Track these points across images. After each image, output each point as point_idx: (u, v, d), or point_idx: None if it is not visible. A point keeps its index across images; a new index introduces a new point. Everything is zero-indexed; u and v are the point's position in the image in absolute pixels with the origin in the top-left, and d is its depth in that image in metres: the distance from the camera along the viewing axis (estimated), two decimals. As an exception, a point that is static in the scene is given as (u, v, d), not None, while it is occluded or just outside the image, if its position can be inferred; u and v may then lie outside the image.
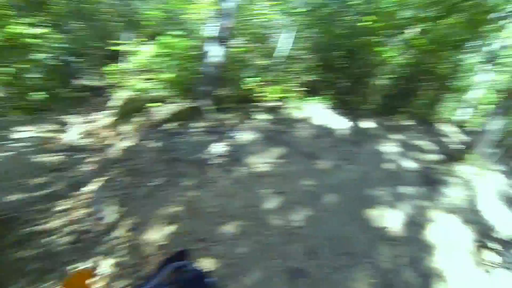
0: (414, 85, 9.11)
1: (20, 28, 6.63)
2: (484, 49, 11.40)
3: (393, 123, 8.03)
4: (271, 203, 4.26)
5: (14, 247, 3.71)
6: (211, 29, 5.94)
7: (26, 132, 6.16)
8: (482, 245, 4.44)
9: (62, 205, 4.43)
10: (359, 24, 7.82)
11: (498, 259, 4.25)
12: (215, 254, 3.55)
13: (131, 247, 3.76)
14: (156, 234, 3.82)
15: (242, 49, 7.80)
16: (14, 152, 5.40)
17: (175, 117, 6.01)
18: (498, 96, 8.19)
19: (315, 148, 5.80)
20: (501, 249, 4.34)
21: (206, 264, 3.44)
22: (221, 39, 5.85)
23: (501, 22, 8.76)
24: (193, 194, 4.27)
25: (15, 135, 5.92)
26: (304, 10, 8.05)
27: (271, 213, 4.12)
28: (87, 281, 2.36)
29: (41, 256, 3.68)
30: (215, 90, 6.30)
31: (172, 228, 3.84)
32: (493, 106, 6.38)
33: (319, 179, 4.94)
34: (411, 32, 8.33)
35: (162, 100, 6.46)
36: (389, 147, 6.53)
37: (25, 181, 4.82)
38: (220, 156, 4.98)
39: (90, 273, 2.53)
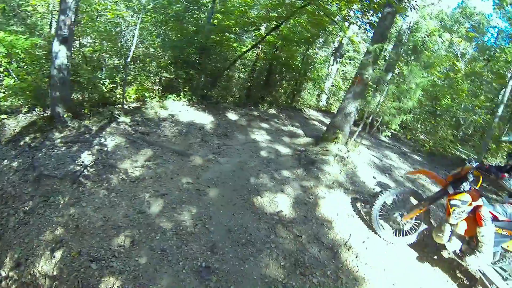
0: (273, 77, 10.91)
1: None
2: (333, 45, 14.46)
3: (257, 113, 9.37)
4: (155, 206, 4.57)
5: None
6: (55, 26, 5.80)
7: None
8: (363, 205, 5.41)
9: None
10: (211, 21, 8.81)
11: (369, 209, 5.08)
12: (114, 271, 3.61)
13: (21, 285, 3.67)
14: (45, 264, 3.76)
15: (91, 48, 8.06)
16: None
17: (31, 129, 5.80)
18: (347, 83, 10.65)
19: (185, 146, 6.42)
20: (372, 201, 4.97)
21: (109, 284, 3.43)
22: (63, 37, 5.78)
23: (346, 24, 11.36)
24: (72, 212, 4.32)
25: None
26: (150, 7, 8.51)
27: (158, 217, 4.38)
28: None
29: None
30: (69, 95, 6.26)
31: (60, 253, 3.81)
32: (345, 91, 8.06)
33: (196, 175, 5.45)
34: (264, 29, 10.01)
35: (11, 110, 6.23)
36: (259, 135, 7.55)
37: None
38: (90, 166, 5.13)
39: None
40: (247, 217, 4.58)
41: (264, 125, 8.51)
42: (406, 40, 10.89)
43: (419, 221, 4.57)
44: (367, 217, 4.87)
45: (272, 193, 5.13)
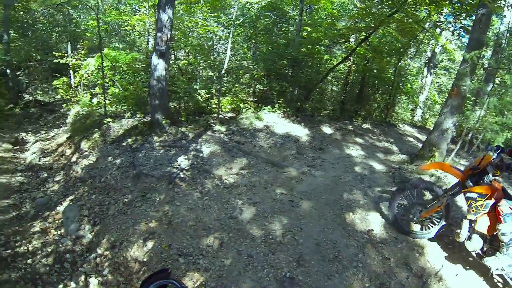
0: (366, 90, 10.28)
1: None
2: (426, 54, 13.28)
3: (351, 127, 8.89)
4: (247, 213, 4.51)
5: None
6: (152, 42, 6.25)
7: None
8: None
9: (36, 226, 4.58)
10: (300, 34, 8.68)
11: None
12: (200, 268, 3.68)
13: (113, 265, 3.91)
14: (136, 251, 3.97)
15: (186, 61, 8.36)
16: None
17: (133, 132, 6.18)
18: (443, 96, 9.50)
19: (279, 157, 6.28)
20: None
21: (193, 278, 3.52)
22: (160, 52, 6.15)
23: (438, 30, 10.36)
24: (166, 209, 4.47)
25: None
26: (239, 21, 8.73)
27: (248, 224, 4.34)
28: None
29: (25, 277, 3.79)
30: (167, 103, 6.57)
31: (151, 244, 4.00)
32: (441, 105, 7.22)
33: (290, 187, 5.26)
34: (353, 41, 9.54)
35: (116, 115, 6.67)
36: (353, 150, 7.19)
37: None
38: (186, 169, 5.23)
39: None
40: (337, 232, 4.33)
41: (359, 140, 8.00)
42: (506, 45, 9.32)
43: (439, 218, 4.14)
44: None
45: (364, 211, 4.78)
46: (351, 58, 9.64)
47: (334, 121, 8.73)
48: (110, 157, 5.74)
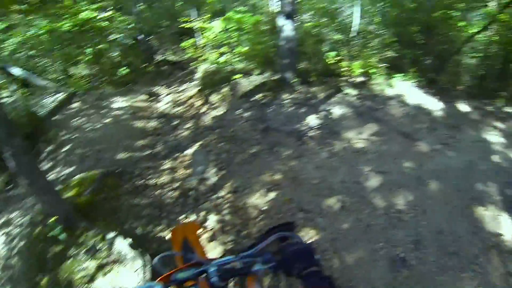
0: (510, 66, 8.56)
1: (91, 13, 7.50)
2: None
3: (493, 108, 7.63)
4: (372, 181, 4.25)
5: (130, 195, 4.28)
6: (277, 4, 6.05)
7: (122, 102, 6.93)
8: None
9: (166, 164, 4.99)
10: None
11: None
12: (317, 226, 3.64)
13: (233, 208, 4.06)
14: (258, 199, 4.05)
15: (313, 23, 7.97)
16: (115, 119, 6.20)
17: (261, 89, 6.23)
18: None
19: (411, 129, 5.68)
20: None
21: (308, 235, 3.54)
22: (287, 13, 6.00)
23: None
24: (293, 164, 4.43)
25: (114, 105, 6.69)
26: None
27: (372, 192, 4.10)
28: (194, 233, 2.63)
29: (152, 205, 4.20)
30: (296, 63, 6.42)
31: (273, 195, 4.04)
32: None
33: (419, 162, 4.78)
34: (494, 5, 7.94)
35: (244, 72, 6.78)
36: (493, 136, 6.20)
37: (130, 143, 5.55)
38: (315, 128, 5.10)
39: (197, 226, 2.82)
40: (462, 225, 3.79)
41: (499, 124, 6.76)
42: None
43: None
44: None
45: (497, 209, 4.05)
46: (492, 26, 8.04)
47: (472, 99, 7.55)
48: (239, 110, 5.88)
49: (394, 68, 7.30)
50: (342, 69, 6.89)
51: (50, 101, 7.26)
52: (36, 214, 4.04)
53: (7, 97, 7.06)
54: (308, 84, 6.27)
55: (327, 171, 4.36)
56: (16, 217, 4.47)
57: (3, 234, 4.25)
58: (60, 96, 7.47)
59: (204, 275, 1.48)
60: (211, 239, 3.77)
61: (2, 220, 4.55)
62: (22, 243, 3.88)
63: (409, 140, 5.29)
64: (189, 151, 5.29)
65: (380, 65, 7.08)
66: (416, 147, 5.17)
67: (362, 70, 6.77)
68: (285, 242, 1.52)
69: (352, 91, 6.13)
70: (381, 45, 7.97)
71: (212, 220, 3.96)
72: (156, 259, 1.77)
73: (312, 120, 5.32)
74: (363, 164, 4.53)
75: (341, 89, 6.17)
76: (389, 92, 6.54)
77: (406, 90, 6.77)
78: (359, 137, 5.06)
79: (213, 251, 3.59)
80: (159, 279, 1.48)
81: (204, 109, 6.45)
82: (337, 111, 5.58)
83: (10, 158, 3.01)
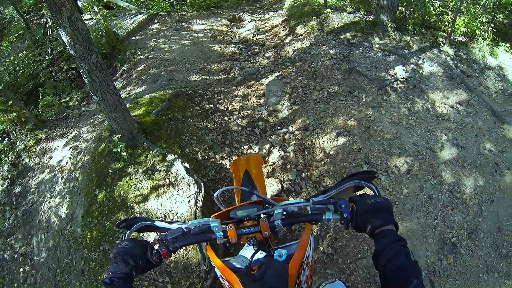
0: None
1: None
2: None
3: None
4: (447, 152, 3.80)
5: (197, 118, 4.16)
6: None
7: (202, 25, 6.70)
8: None
9: (239, 90, 4.82)
10: None
11: None
12: (378, 183, 3.40)
13: (300, 146, 3.87)
14: (326, 142, 3.80)
15: None
16: (193, 41, 5.99)
17: (352, 28, 5.65)
18: None
19: (503, 109, 4.97)
20: None
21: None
22: None
23: None
24: (369, 113, 4.06)
25: (193, 28, 6.43)
26: None
27: (443, 164, 3.68)
28: (258, 167, 2.40)
29: (218, 130, 4.09)
30: (395, 6, 5.64)
31: (342, 140, 3.76)
32: None
33: (502, 147, 4.17)
34: None
35: (335, 7, 6.18)
36: None
37: (205, 66, 5.37)
38: (400, 80, 4.58)
39: (261, 159, 2.57)
40: None
41: None
42: None
43: None
44: None
45: None
46: None
47: None
48: (325, 46, 5.41)
49: (502, 35, 6.23)
50: (443, 23, 5.96)
51: (130, 22, 7.23)
52: (103, 131, 4.08)
53: (90, 19, 7.10)
54: (402, 31, 5.57)
55: (403, 128, 3.95)
56: (84, 132, 4.59)
57: (70, 148, 4.38)
58: (141, 17, 7.38)
59: (264, 215, 1.32)
60: (270, 174, 3.64)
61: (72, 134, 4.73)
62: (86, 157, 3.99)
63: (496, 120, 4.62)
64: (265, 80, 5.05)
65: (487, 28, 6.01)
66: (502, 130, 4.52)
67: (465, 29, 5.81)
68: (361, 193, 1.30)
69: (449, 50, 5.37)
70: (495, 4, 6.70)
71: (275, 155, 3.80)
72: (216, 193, 1.59)
73: (399, 71, 4.76)
74: (441, 131, 4.05)
75: (437, 45, 5.42)
76: (490, 61, 5.67)
77: (510, 63, 5.81)
78: (443, 102, 4.49)
79: (269, 188, 3.47)
80: (216, 214, 1.37)
81: (287, 40, 6.04)
82: (427, 67, 4.94)
83: (86, 74, 2.99)
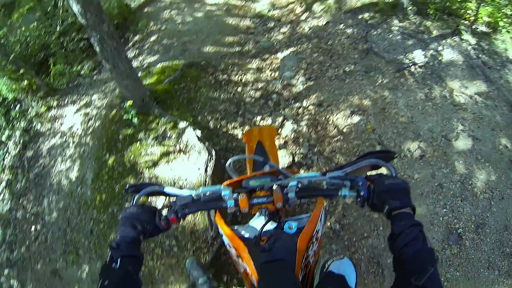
0: None
1: None
2: None
3: None
4: (461, 143, 3.75)
5: (210, 88, 4.15)
6: None
7: None
8: None
9: (253, 63, 4.77)
10: None
11: None
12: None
13: (313, 121, 3.84)
14: (340, 119, 3.78)
15: None
16: (207, 14, 5.90)
17: (371, 8, 5.52)
18: None
19: None
20: None
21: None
22: None
23: None
24: (385, 94, 4.02)
25: (207, 0, 6.37)
26: None
27: (457, 154, 3.64)
28: (271, 138, 2.38)
29: (231, 101, 4.07)
30: None
31: (356, 119, 3.74)
32: None
33: None
34: None
35: None
36: None
37: (219, 38, 5.33)
38: (418, 65, 4.51)
39: (275, 130, 2.55)
40: None
41: None
42: None
43: None
44: None
45: None
46: None
47: None
48: (342, 25, 5.33)
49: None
50: (466, 11, 5.80)
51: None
52: (114, 98, 4.10)
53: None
54: (423, 16, 5.43)
55: (418, 113, 3.91)
56: (95, 99, 4.61)
57: (82, 114, 4.42)
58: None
59: (278, 186, 1.30)
60: (282, 147, 3.64)
61: (84, 101, 4.74)
62: (97, 123, 4.02)
63: (516, 120, 4.55)
64: (280, 54, 4.98)
65: (511, 21, 5.86)
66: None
67: (489, 19, 5.65)
68: (378, 172, 1.29)
69: (471, 39, 5.22)
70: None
71: (287, 128, 3.78)
72: (229, 161, 1.57)
73: (418, 55, 4.66)
74: (457, 120, 3.98)
75: (458, 33, 5.27)
76: (512, 54, 5.50)
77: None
78: (462, 91, 4.40)
79: (280, 160, 3.46)
80: (227, 183, 1.35)
81: (303, 17, 5.91)
82: (447, 54, 4.83)
83: (98, 43, 2.99)
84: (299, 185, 1.29)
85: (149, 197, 1.75)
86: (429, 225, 3.09)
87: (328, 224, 3.08)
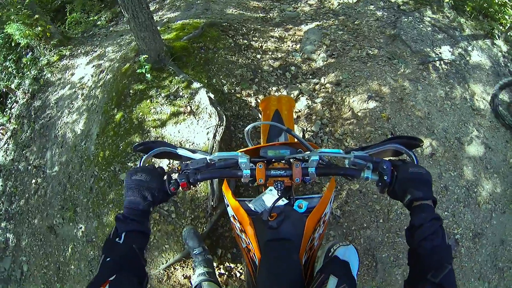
0: None
1: None
2: None
3: None
4: (473, 148, 3.67)
5: (229, 51, 4.04)
6: None
7: None
8: None
9: (275, 32, 4.65)
10: None
11: None
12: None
13: (328, 100, 3.77)
14: (356, 102, 3.70)
15: None
16: None
17: None
18: None
19: None
20: None
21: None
22: None
23: None
24: (405, 85, 3.91)
25: None
26: None
27: (467, 159, 3.56)
28: (289, 108, 2.30)
29: (249, 67, 3.97)
30: None
31: (372, 105, 3.65)
32: None
33: None
34: None
35: None
36: None
37: (244, 1, 5.29)
38: (444, 61, 4.36)
39: (293, 101, 2.47)
40: None
41: None
42: None
43: None
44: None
45: None
46: None
47: None
48: (372, 6, 5.16)
49: None
50: (503, 16, 5.58)
51: None
52: (129, 51, 4.00)
53: None
54: (458, 12, 5.23)
55: (436, 110, 3.81)
56: (110, 51, 4.52)
57: (93, 66, 4.34)
58: None
59: (298, 159, 1.27)
60: (294, 121, 3.56)
61: (97, 53, 4.66)
62: (108, 76, 3.93)
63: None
64: (304, 27, 4.83)
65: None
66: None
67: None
68: (401, 159, 1.25)
69: (502, 46, 5.03)
70: None
71: (302, 103, 3.70)
72: (248, 127, 1.51)
73: (445, 51, 4.50)
74: (473, 125, 3.90)
75: (491, 36, 5.08)
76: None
77: None
78: (483, 97, 4.28)
79: None
80: (244, 150, 1.27)
81: (333, -9, 5.70)
82: (475, 56, 4.67)
83: None
84: (322, 162, 1.25)
85: (158, 158, 1.63)
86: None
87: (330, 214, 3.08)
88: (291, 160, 1.27)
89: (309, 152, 1.25)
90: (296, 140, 1.32)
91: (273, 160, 1.31)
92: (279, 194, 1.29)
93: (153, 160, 2.89)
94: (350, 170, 1.19)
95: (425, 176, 1.06)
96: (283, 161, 1.30)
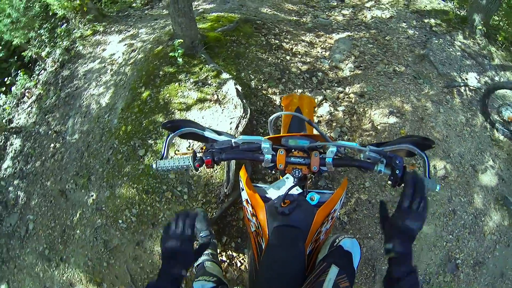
0: None
1: None
2: None
3: None
4: (487, 177, 3.66)
5: (260, 49, 4.14)
6: None
7: None
8: None
9: (307, 36, 4.73)
10: None
11: None
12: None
13: (350, 109, 3.83)
14: (376, 115, 3.76)
15: None
16: None
17: (439, 16, 5.40)
18: None
19: None
20: None
21: None
22: None
23: None
24: (427, 106, 3.96)
25: None
26: None
27: (479, 187, 3.56)
28: (310, 107, 2.36)
29: (277, 66, 4.05)
30: (493, 9, 5.23)
31: (392, 120, 3.70)
32: None
33: None
34: None
35: None
36: None
37: (279, 3, 5.42)
38: (469, 87, 4.38)
39: (314, 101, 2.54)
40: None
41: None
42: None
43: None
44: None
45: None
46: None
47: None
48: (405, 24, 5.22)
49: None
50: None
51: None
52: (163, 34, 4.13)
53: None
54: (490, 40, 5.22)
55: (454, 135, 3.84)
56: (143, 33, 4.64)
57: (125, 44, 4.46)
58: None
59: (317, 149, 1.33)
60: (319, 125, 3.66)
61: (130, 32, 4.79)
62: (140, 56, 4.05)
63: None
64: (335, 36, 4.91)
65: None
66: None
67: None
68: (414, 165, 1.31)
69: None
70: None
71: (324, 109, 3.76)
72: (272, 116, 1.59)
73: (472, 78, 4.52)
74: (490, 155, 3.90)
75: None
76: None
77: None
78: (505, 134, 4.24)
79: None
80: (267, 137, 1.35)
81: (368, 4, 5.79)
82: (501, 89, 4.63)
83: None
84: (339, 153, 1.33)
85: (184, 138, 1.66)
86: (431, 246, 3.10)
87: (338, 214, 3.14)
88: (315, 149, 1.35)
89: (327, 143, 1.33)
90: (315, 132, 1.39)
91: (293, 149, 1.38)
92: (295, 182, 1.37)
93: (175, 142, 3.01)
94: (365, 162, 1.27)
95: (414, 232, 1.05)
96: (304, 151, 1.38)
